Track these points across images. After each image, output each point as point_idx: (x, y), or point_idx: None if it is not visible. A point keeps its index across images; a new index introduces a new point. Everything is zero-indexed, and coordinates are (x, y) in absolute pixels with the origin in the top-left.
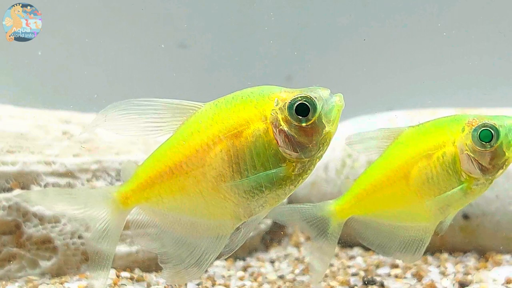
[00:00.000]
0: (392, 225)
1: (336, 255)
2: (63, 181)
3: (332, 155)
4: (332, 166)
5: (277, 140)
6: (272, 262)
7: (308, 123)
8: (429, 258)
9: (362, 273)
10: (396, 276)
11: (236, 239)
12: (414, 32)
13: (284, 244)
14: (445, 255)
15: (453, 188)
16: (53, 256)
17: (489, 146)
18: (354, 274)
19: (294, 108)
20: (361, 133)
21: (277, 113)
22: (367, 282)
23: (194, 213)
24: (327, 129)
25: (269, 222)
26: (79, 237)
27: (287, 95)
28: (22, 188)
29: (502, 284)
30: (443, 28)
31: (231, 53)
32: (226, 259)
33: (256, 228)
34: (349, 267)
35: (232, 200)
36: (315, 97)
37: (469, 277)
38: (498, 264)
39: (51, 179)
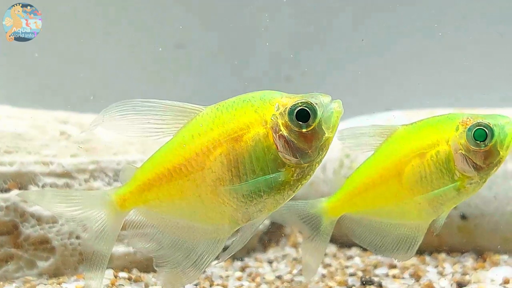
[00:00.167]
0: (385, 223)
1: (334, 256)
2: (60, 181)
3: (330, 155)
4: (330, 166)
5: (276, 145)
6: (270, 262)
7: (308, 129)
8: (427, 258)
9: (360, 274)
10: (394, 277)
11: (234, 243)
12: (412, 32)
13: (282, 245)
14: (443, 255)
15: (446, 187)
16: (50, 256)
17: (483, 145)
18: (352, 275)
19: (295, 113)
20: (352, 127)
21: (277, 118)
22: (365, 282)
23: (192, 216)
24: (326, 135)
25: (267, 222)
26: (77, 237)
27: (288, 100)
28: (20, 188)
29: (500, 284)
30: (440, 28)
31: (230, 53)
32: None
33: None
34: (347, 267)
35: (231, 204)
36: (316, 103)
37: (467, 277)
38: (496, 264)
39: (48, 180)
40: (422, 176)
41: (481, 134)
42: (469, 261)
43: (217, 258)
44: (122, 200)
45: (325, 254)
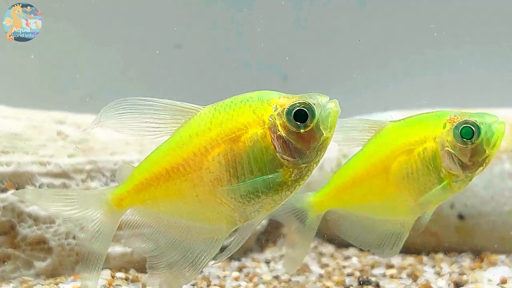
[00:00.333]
0: (371, 218)
1: (332, 256)
2: (57, 181)
3: (327, 155)
4: (327, 166)
5: (274, 146)
6: (268, 262)
7: (306, 129)
8: (424, 258)
9: (357, 274)
10: (391, 276)
11: (232, 244)
12: (409, 32)
13: (280, 245)
14: (440, 255)
15: (432, 183)
16: (48, 256)
17: (470, 143)
18: (349, 275)
19: (293, 114)
20: (341, 120)
21: (275, 119)
22: (362, 282)
23: (189, 216)
24: (324, 135)
25: (264, 222)
26: (74, 237)
27: (286, 100)
28: (17, 188)
29: (497, 284)
30: (437, 29)
31: (227, 52)
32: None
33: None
34: (344, 267)
35: (228, 205)
36: (314, 104)
37: (464, 277)
38: (493, 264)
39: (45, 180)
40: (408, 173)
41: (468, 132)
42: (466, 261)
43: (214, 258)
44: (119, 200)
45: (323, 254)
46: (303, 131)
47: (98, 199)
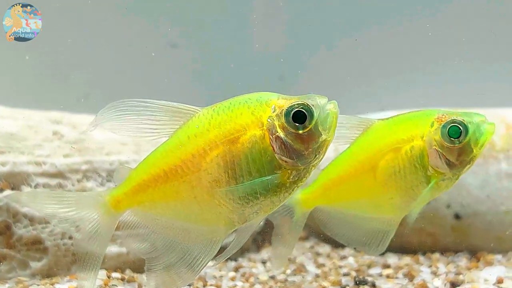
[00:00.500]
0: (357, 216)
1: (328, 256)
2: (53, 181)
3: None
4: (323, 166)
5: (273, 147)
6: (264, 262)
7: (305, 131)
8: (421, 258)
9: (353, 273)
10: (388, 276)
11: (231, 245)
12: (406, 32)
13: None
14: (436, 255)
15: (419, 182)
16: (43, 257)
17: (457, 142)
18: (345, 274)
19: (291, 115)
20: None
21: (274, 120)
22: (358, 282)
23: (187, 218)
24: (323, 137)
25: (261, 223)
26: (70, 238)
27: (285, 102)
28: (13, 188)
29: (494, 284)
30: (434, 28)
31: (223, 52)
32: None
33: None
34: (340, 267)
35: (227, 206)
36: (312, 105)
37: (461, 277)
38: (489, 264)
39: (41, 180)
40: (396, 171)
41: (456, 131)
42: (462, 261)
43: (214, 259)
44: (116, 202)
45: (319, 254)
46: (301, 132)
47: (96, 200)
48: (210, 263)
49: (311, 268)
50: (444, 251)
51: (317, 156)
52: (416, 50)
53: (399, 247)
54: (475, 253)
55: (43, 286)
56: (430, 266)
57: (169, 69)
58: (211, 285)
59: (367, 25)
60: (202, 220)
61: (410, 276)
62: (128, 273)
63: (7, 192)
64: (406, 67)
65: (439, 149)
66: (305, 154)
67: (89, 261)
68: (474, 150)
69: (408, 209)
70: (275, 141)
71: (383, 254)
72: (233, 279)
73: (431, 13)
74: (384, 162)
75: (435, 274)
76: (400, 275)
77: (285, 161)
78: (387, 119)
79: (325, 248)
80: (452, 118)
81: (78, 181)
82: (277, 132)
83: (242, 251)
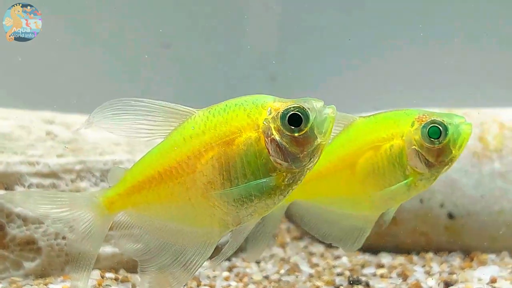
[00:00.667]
0: (335, 212)
1: (322, 255)
2: (46, 181)
3: None
4: None
5: (268, 150)
6: (258, 262)
7: (300, 134)
8: (414, 258)
9: (347, 273)
10: (382, 276)
11: (225, 248)
12: (399, 31)
13: (270, 245)
14: (430, 255)
15: (397, 181)
16: (37, 257)
17: (437, 142)
18: (339, 274)
19: (287, 118)
20: None
21: (269, 122)
22: (352, 282)
23: (181, 219)
24: (318, 140)
25: None
26: (63, 238)
27: (280, 104)
28: (6, 189)
29: (487, 284)
30: (426, 28)
31: (215, 52)
32: (211, 259)
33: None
34: (334, 267)
35: (221, 208)
36: (308, 108)
37: (454, 277)
38: (483, 263)
39: (34, 180)
40: (374, 169)
41: (435, 132)
42: (456, 260)
43: (210, 258)
44: (110, 203)
45: (313, 254)
46: (297, 135)
47: (89, 201)
48: (206, 263)
49: (305, 268)
50: (437, 250)
51: (311, 159)
52: (409, 50)
53: (393, 247)
54: (468, 253)
55: (36, 287)
56: (423, 266)
57: (162, 69)
58: (205, 285)
59: (360, 25)
60: (196, 222)
61: (404, 276)
62: (122, 273)
63: (1, 192)
64: (398, 66)
65: (418, 149)
66: (300, 157)
67: (82, 262)
68: (453, 151)
69: (385, 207)
70: (271, 143)
71: (376, 253)
72: (227, 279)
73: (424, 12)
74: (363, 160)
75: (428, 273)
76: (394, 274)
77: (280, 164)
78: (367, 116)
79: (319, 248)
80: (432, 118)
81: (72, 181)
82: (273, 134)
83: (236, 251)
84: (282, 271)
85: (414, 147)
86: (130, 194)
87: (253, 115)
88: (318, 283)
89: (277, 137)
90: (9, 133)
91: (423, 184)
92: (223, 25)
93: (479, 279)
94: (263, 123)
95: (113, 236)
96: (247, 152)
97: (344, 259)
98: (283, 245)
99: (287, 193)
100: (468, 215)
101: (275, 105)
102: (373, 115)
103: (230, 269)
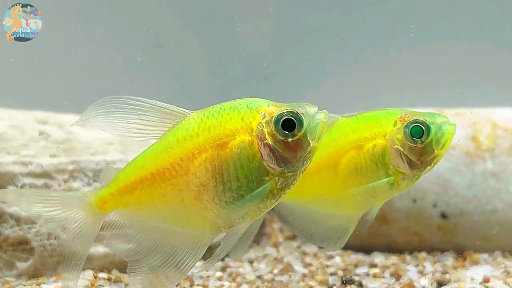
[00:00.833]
0: (318, 212)
1: (315, 255)
2: (39, 181)
3: None
4: None
5: (261, 153)
6: (251, 262)
7: (294, 139)
8: (407, 257)
9: (340, 273)
10: (375, 276)
11: (217, 251)
12: (391, 31)
13: (263, 244)
14: (423, 254)
15: (380, 180)
16: (29, 257)
17: (419, 142)
18: (332, 274)
19: (281, 122)
20: None
21: (263, 127)
22: (345, 281)
23: (173, 221)
24: (311, 145)
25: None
26: (56, 238)
27: (275, 109)
28: None
29: (480, 283)
30: (418, 28)
31: (209, 53)
32: (203, 259)
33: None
34: (327, 266)
35: (213, 211)
36: (302, 113)
37: (447, 276)
38: (476, 263)
39: (27, 180)
40: (357, 168)
41: (418, 131)
42: (449, 260)
43: (201, 259)
44: (102, 202)
45: (306, 254)
46: (290, 140)
47: (81, 200)
48: (198, 263)
49: (298, 267)
50: (430, 250)
51: (304, 164)
52: (402, 50)
53: (386, 247)
54: (461, 252)
55: (29, 287)
56: (416, 265)
57: (155, 70)
58: (198, 285)
59: (353, 25)
60: (188, 224)
61: (397, 276)
62: (115, 273)
63: None
64: (391, 66)
65: (401, 149)
66: (293, 162)
67: (72, 261)
68: (436, 151)
69: (368, 207)
70: (264, 148)
71: (369, 253)
72: (220, 279)
73: (417, 12)
74: (346, 159)
75: (421, 273)
76: (387, 274)
77: (273, 168)
78: (350, 116)
79: (312, 248)
80: (415, 118)
81: (65, 181)
82: (266, 138)
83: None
84: (275, 271)
85: (396, 146)
86: (122, 194)
87: (247, 118)
88: (311, 283)
89: (270, 141)
90: (2, 133)
91: (405, 183)
92: (217, 25)
93: (472, 279)
94: (257, 127)
95: (106, 236)
96: (240, 156)
97: (337, 259)
98: (276, 245)
99: (280, 197)
100: (461, 214)
101: (269, 109)
102: (355, 114)
103: (223, 269)
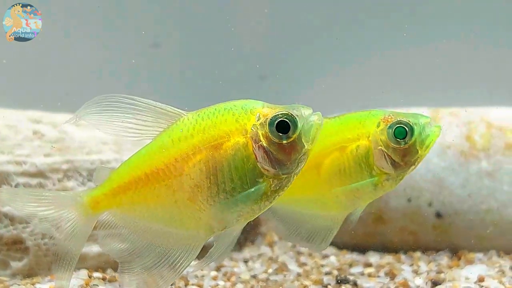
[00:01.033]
0: (302, 212)
1: (310, 255)
2: (34, 181)
3: None
4: None
5: (256, 155)
6: (246, 261)
7: (288, 141)
8: (402, 257)
9: (335, 272)
10: (369, 275)
11: (211, 252)
12: (386, 31)
13: (258, 244)
14: (418, 254)
15: (364, 181)
16: (24, 256)
17: (403, 143)
18: (327, 273)
19: (275, 124)
20: None
21: (257, 129)
22: (340, 281)
23: (167, 222)
24: (306, 147)
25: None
26: (51, 238)
27: (269, 111)
28: None
29: (475, 283)
30: (414, 28)
31: (204, 52)
32: (199, 258)
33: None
34: (322, 266)
35: (207, 212)
36: (297, 115)
37: (442, 276)
38: (470, 262)
39: (21, 179)
40: (341, 169)
41: (401, 132)
42: (444, 259)
43: (197, 258)
44: (95, 202)
45: (301, 253)
46: (285, 142)
47: (74, 200)
48: (193, 262)
49: (293, 267)
50: (425, 249)
51: (299, 165)
52: (396, 50)
53: (381, 246)
54: (456, 252)
55: (24, 286)
56: (411, 265)
57: (150, 69)
58: (193, 284)
59: (348, 25)
60: (182, 225)
61: (391, 275)
62: (110, 272)
63: None
64: (386, 66)
65: (384, 149)
66: (287, 164)
67: (65, 261)
68: (419, 151)
69: (352, 207)
70: (258, 149)
71: (364, 252)
72: (215, 278)
73: (411, 12)
74: (330, 161)
75: (416, 272)
76: (381, 273)
77: (267, 170)
78: (333, 117)
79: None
80: (398, 119)
81: (59, 180)
82: (260, 140)
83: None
84: (270, 270)
85: (380, 147)
86: (116, 195)
87: (242, 120)
88: (306, 282)
89: (264, 143)
90: None
91: (389, 184)
92: (212, 23)
93: (467, 278)
94: (252, 129)
95: (99, 236)
96: (234, 157)
97: (332, 258)
98: (271, 244)
99: (274, 199)
100: (456, 214)
101: (264, 111)
102: (338, 116)
103: (218, 269)
